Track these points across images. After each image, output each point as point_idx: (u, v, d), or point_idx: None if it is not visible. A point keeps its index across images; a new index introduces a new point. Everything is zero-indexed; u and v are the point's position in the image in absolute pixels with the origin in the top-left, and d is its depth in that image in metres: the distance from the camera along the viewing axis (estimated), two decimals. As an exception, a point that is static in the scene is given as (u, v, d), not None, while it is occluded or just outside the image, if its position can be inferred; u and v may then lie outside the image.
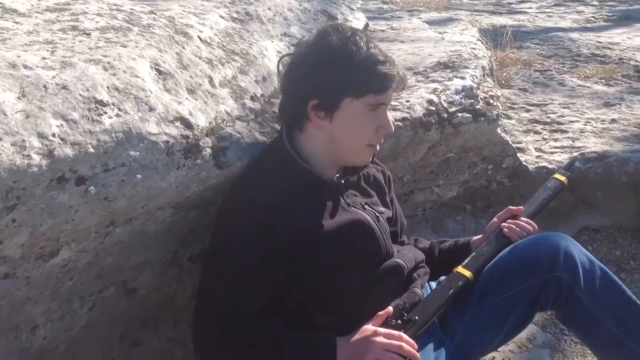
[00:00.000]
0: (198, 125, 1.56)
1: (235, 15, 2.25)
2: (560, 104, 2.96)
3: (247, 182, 1.54)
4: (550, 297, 1.54)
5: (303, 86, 1.53)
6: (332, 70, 1.48)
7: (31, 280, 1.36)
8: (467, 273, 1.57)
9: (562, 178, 1.87)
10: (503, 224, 1.69)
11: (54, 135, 1.28)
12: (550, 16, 4.96)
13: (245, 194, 1.51)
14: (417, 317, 1.47)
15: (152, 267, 1.66)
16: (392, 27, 3.11)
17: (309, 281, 1.47)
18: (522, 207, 1.73)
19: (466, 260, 1.60)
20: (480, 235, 1.74)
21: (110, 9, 1.83)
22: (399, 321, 1.46)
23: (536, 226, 1.69)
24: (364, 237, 1.53)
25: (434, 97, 2.12)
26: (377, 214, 1.59)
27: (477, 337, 1.56)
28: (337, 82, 1.48)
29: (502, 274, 1.57)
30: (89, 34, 1.61)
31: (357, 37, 1.50)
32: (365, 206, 1.58)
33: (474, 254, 1.63)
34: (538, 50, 3.85)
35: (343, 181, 1.58)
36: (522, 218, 1.70)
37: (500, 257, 1.61)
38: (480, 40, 3.06)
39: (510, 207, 1.74)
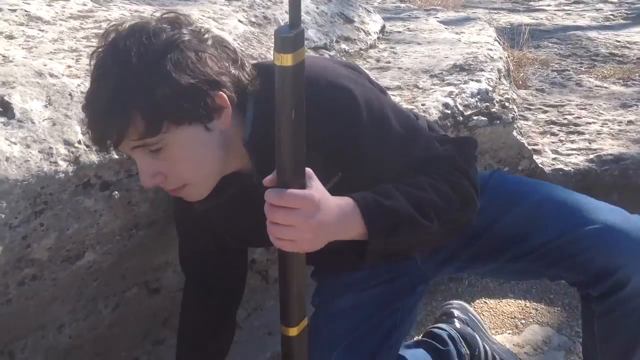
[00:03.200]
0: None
1: (253, 20, 2.28)
2: (577, 104, 2.96)
3: None
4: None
5: None
6: None
7: (58, 281, 1.41)
8: None
9: None
10: None
11: (79, 142, 1.33)
12: (568, 14, 4.93)
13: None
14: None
15: (174, 268, 1.70)
16: (408, 28, 3.12)
17: None
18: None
19: None
20: None
21: (132, 16, 1.88)
22: None
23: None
24: None
25: (449, 101, 2.14)
26: None
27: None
28: None
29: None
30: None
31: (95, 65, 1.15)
32: None
33: None
34: (556, 50, 3.84)
35: None
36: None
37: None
38: (497, 40, 3.06)
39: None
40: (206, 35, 1.18)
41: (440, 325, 1.84)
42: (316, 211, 0.99)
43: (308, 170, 1.00)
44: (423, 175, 1.19)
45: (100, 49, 1.14)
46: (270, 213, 0.98)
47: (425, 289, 1.63)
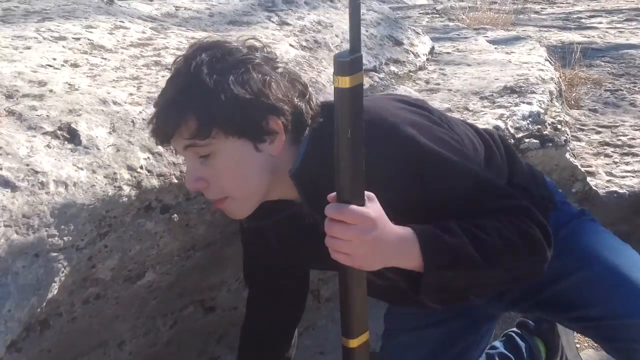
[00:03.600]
0: (272, 155, 1.64)
1: (304, 44, 2.33)
2: (631, 125, 2.91)
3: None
4: None
5: None
6: None
7: (119, 300, 1.46)
8: None
9: None
10: None
11: (141, 167, 1.38)
12: (621, 32, 4.85)
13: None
14: None
15: (228, 287, 1.75)
16: (457, 49, 3.13)
17: None
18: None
19: None
20: None
21: (188, 42, 1.94)
22: None
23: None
24: None
25: (500, 123, 2.14)
26: None
27: None
28: None
29: None
30: (170, 69, 1.72)
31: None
32: None
33: None
34: (608, 69, 3.78)
35: None
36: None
37: None
38: (548, 60, 3.04)
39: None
40: (279, 64, 1.24)
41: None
42: (373, 228, 1.03)
43: (369, 193, 1.04)
44: (491, 219, 1.17)
45: (180, 57, 1.23)
46: (328, 227, 1.03)
47: (493, 326, 1.64)
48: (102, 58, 1.72)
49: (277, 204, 1.30)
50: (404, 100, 1.34)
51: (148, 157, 1.40)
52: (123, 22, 1.96)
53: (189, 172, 1.22)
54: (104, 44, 1.80)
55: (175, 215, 1.44)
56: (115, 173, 1.34)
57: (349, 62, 0.93)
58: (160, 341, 1.64)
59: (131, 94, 1.55)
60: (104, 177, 1.32)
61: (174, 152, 1.40)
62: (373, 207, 1.04)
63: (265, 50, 1.25)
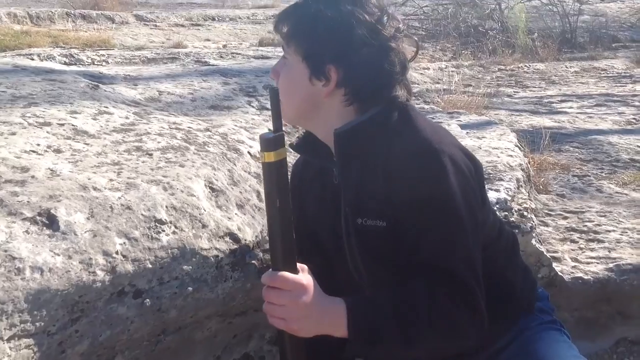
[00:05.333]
0: (245, 240, 1.69)
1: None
2: (597, 211, 3.01)
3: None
4: None
5: None
6: None
7: (87, 384, 1.47)
8: None
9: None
10: None
11: (117, 252, 1.43)
12: (590, 117, 5.03)
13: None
14: None
15: (197, 371, 1.76)
16: (431, 133, 3.25)
17: None
18: None
19: None
20: None
21: (170, 128, 2.02)
22: None
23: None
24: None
25: (468, 210, 2.22)
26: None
27: None
28: None
29: None
30: (151, 155, 1.79)
31: None
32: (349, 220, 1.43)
33: None
34: (577, 154, 3.92)
35: None
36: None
37: None
38: (517, 146, 3.16)
39: None
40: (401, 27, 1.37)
41: None
42: (304, 293, 1.18)
43: (302, 265, 1.19)
44: (432, 287, 1.23)
45: None
46: (265, 293, 1.20)
47: None
48: (85, 143, 1.79)
49: (321, 151, 1.43)
50: (462, 147, 1.40)
51: (124, 242, 1.45)
52: (107, 107, 2.04)
53: (277, 63, 1.42)
54: (87, 130, 1.87)
55: (148, 300, 1.47)
56: (90, 258, 1.38)
57: (272, 140, 1.13)
58: None
59: (111, 180, 1.60)
60: (80, 262, 1.36)
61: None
62: (305, 276, 1.19)
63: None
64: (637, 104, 5.48)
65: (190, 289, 1.54)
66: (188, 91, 2.53)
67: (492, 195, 2.33)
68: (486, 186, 2.42)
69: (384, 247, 1.30)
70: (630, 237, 2.71)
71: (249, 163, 2.01)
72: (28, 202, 1.41)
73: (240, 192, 1.84)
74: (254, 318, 1.77)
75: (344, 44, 1.29)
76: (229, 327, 1.74)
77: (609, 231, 2.78)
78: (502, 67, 7.56)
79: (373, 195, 1.29)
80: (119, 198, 1.53)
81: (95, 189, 1.54)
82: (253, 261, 1.69)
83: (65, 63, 4.04)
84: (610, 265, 2.51)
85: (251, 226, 1.76)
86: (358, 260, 1.36)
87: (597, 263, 2.54)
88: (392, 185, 1.25)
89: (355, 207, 1.33)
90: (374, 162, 1.31)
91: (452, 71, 6.97)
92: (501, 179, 2.47)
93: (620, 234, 2.75)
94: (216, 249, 1.60)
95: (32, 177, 1.50)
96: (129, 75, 2.67)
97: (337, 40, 1.29)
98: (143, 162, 1.74)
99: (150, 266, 1.47)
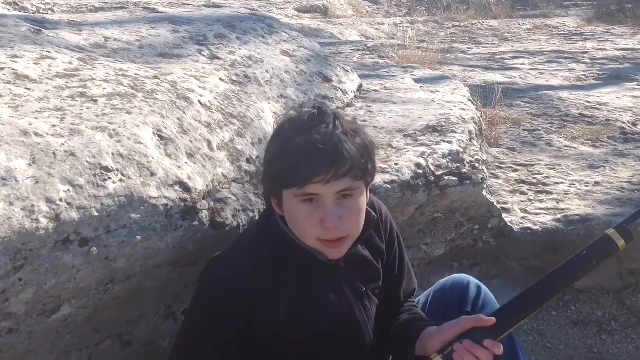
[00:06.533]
0: (196, 189, 1.66)
1: (234, 78, 2.37)
2: (546, 164, 3.07)
3: (236, 256, 1.52)
4: None
5: (263, 170, 1.54)
6: (268, 160, 1.48)
7: (33, 334, 1.44)
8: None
9: (619, 241, 1.42)
10: (457, 344, 1.41)
11: (61, 199, 1.38)
12: (542, 73, 5.10)
13: (230, 270, 1.48)
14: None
15: (147, 321, 1.74)
16: (385, 87, 3.24)
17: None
18: (494, 318, 1.41)
19: None
20: (436, 328, 1.51)
21: (117, 75, 1.95)
22: None
23: (500, 349, 1.39)
24: (351, 340, 1.55)
25: (421, 161, 2.23)
26: (367, 303, 1.58)
27: None
28: (269, 173, 1.46)
29: None
30: (96, 101, 1.72)
31: (302, 123, 1.40)
32: (364, 294, 1.57)
33: None
34: (528, 109, 3.97)
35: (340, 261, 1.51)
36: (486, 341, 1.38)
37: None
38: (470, 100, 3.18)
39: (482, 316, 1.44)
40: None
41: None
42: None
43: None
44: None
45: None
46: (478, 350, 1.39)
47: None
48: (26, 88, 1.71)
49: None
50: None
51: (68, 190, 1.40)
52: (50, 52, 1.95)
53: (330, 215, 1.38)
54: (29, 74, 1.79)
55: (95, 248, 1.43)
56: (33, 205, 1.33)
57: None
58: (75, 376, 1.61)
59: (54, 126, 1.54)
60: (22, 209, 1.31)
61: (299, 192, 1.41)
62: None
63: None
64: (587, 61, 5.57)
65: (138, 237, 1.50)
66: (135, 38, 2.44)
67: (444, 147, 2.35)
68: (439, 138, 2.44)
69: None
70: (578, 189, 2.78)
71: (199, 112, 1.96)
72: (-36, 147, 1.34)
73: (191, 141, 1.80)
74: (206, 268, 1.75)
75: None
76: (180, 277, 1.72)
77: (558, 183, 2.84)
78: (456, 23, 7.59)
79: None
80: (62, 144, 1.48)
81: (37, 134, 1.47)
82: (204, 210, 1.66)
83: (8, 10, 3.87)
84: (558, 216, 2.57)
85: (202, 175, 1.72)
86: None
87: (546, 214, 2.60)
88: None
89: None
90: None
91: (406, 27, 6.96)
92: (454, 132, 2.49)
93: (569, 186, 2.81)
94: (165, 197, 1.57)
95: (-31, 121, 1.43)
96: (73, 21, 2.56)
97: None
98: (88, 108, 1.68)
99: (96, 214, 1.42)
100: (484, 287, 1.72)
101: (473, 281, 1.74)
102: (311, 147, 1.35)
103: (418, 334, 1.53)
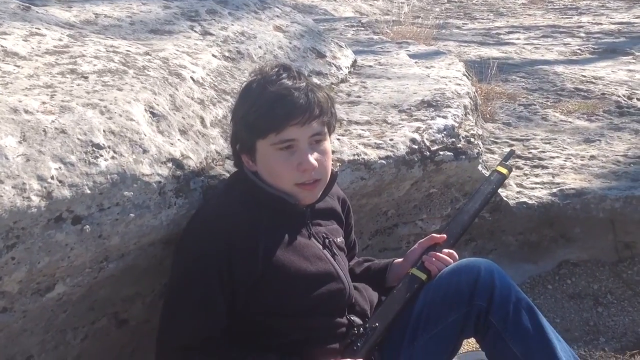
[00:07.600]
0: (189, 166, 1.64)
1: (227, 54, 2.35)
2: (542, 139, 3.06)
3: (208, 209, 1.57)
4: (471, 325, 1.59)
5: (231, 131, 1.63)
6: (241, 114, 1.55)
7: (27, 313, 1.43)
8: (422, 275, 1.67)
9: (504, 170, 1.96)
10: (424, 257, 1.70)
11: (52, 177, 1.36)
12: (537, 48, 5.07)
13: (205, 219, 1.53)
14: (377, 324, 1.58)
15: (143, 299, 1.73)
16: (379, 62, 3.20)
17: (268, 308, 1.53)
18: (444, 235, 1.76)
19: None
20: (401, 259, 1.79)
21: (107, 51, 1.92)
22: (361, 329, 1.57)
23: (456, 255, 1.72)
24: (331, 287, 1.58)
25: (417, 136, 2.21)
26: (336, 251, 1.64)
27: None
28: (244, 125, 1.53)
29: (430, 309, 1.61)
30: (86, 78, 1.70)
31: (270, 77, 1.51)
32: (325, 240, 1.62)
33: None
34: (523, 84, 3.95)
35: (307, 208, 1.60)
36: (444, 250, 1.72)
37: (427, 290, 1.65)
38: (465, 75, 3.15)
39: (434, 235, 1.78)
40: None
41: None
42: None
43: None
44: None
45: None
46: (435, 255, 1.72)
47: None
48: (15, 65, 1.69)
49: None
50: None
51: (60, 167, 1.38)
52: (39, 28, 1.92)
53: (307, 157, 1.49)
54: (18, 51, 1.76)
55: (88, 226, 1.41)
56: (24, 183, 1.31)
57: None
58: (70, 355, 1.60)
59: (44, 103, 1.52)
60: (12, 187, 1.29)
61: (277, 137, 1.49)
62: None
63: None
64: (582, 35, 5.54)
65: (132, 215, 1.49)
66: (126, 14, 2.41)
67: (439, 122, 2.33)
68: (434, 113, 2.42)
69: None
70: (574, 163, 2.77)
71: (191, 88, 1.94)
72: (-47, 124, 1.32)
73: (183, 118, 1.78)
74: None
75: None
76: (175, 255, 1.71)
77: (553, 157, 2.83)
78: (452, -2, 7.52)
79: None
80: (53, 122, 1.46)
81: (27, 112, 1.45)
82: (198, 187, 1.65)
83: (-5, -12, 3.81)
84: (554, 190, 2.56)
85: (195, 152, 1.70)
86: None
87: (541, 188, 2.59)
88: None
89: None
90: None
91: (401, 3, 6.91)
92: (449, 106, 2.47)
93: (564, 160, 2.80)
94: (158, 174, 1.55)
95: (-43, 99, 1.40)
96: (63, -3, 2.53)
97: None
98: (78, 85, 1.65)
99: (89, 192, 1.41)
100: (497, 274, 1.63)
101: (485, 267, 1.64)
102: (286, 92, 1.48)
103: (386, 267, 1.80)
